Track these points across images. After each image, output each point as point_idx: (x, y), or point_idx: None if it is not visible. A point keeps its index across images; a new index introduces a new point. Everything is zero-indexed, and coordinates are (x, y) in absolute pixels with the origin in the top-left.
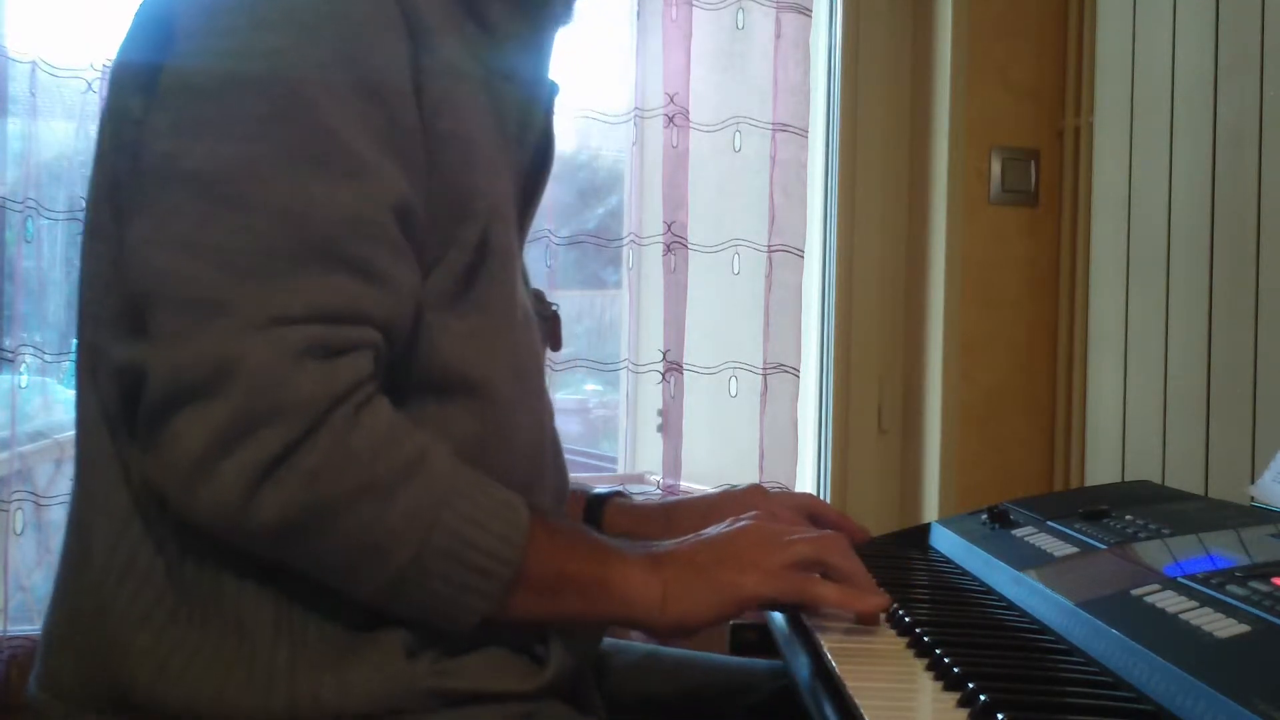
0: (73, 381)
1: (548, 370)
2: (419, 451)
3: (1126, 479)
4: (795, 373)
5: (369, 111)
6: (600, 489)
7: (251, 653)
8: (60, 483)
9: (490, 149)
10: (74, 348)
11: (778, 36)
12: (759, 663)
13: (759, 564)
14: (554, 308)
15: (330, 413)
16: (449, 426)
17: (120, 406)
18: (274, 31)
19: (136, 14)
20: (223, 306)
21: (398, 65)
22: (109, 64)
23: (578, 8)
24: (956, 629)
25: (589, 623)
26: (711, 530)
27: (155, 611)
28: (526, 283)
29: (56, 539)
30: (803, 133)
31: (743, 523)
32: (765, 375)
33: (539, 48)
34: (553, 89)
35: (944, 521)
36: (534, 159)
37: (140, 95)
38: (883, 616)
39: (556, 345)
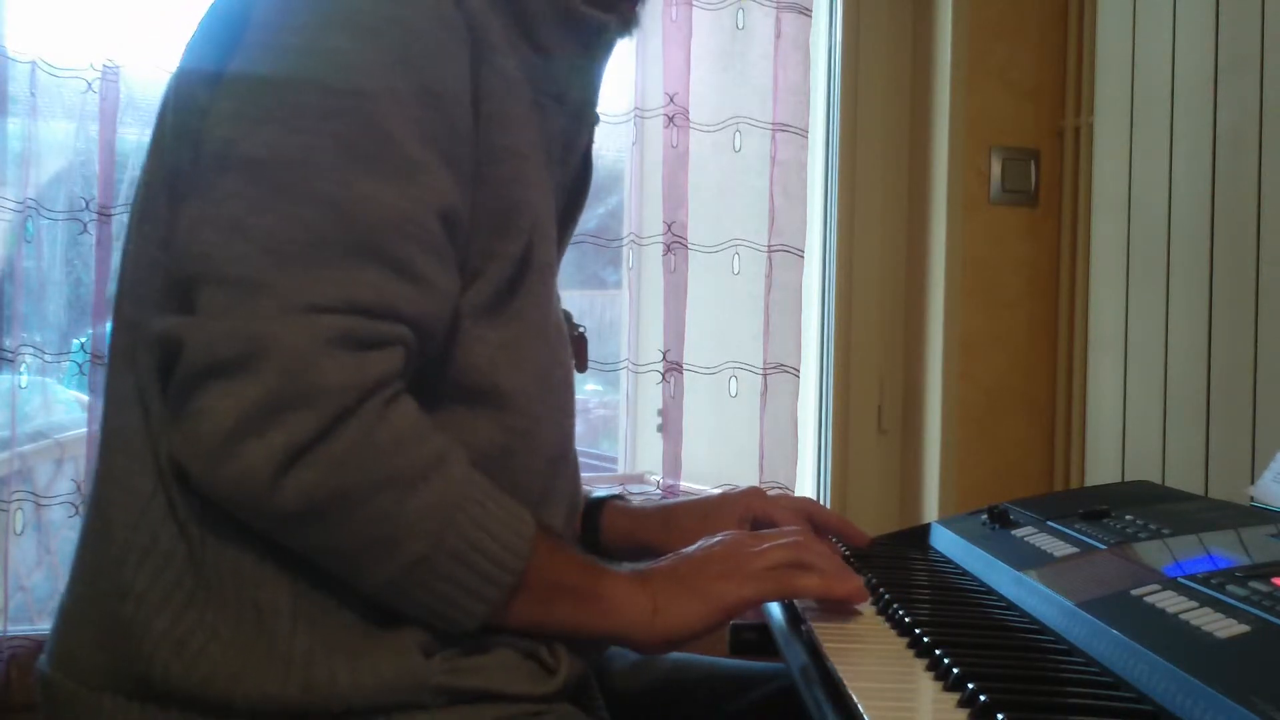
0: (75, 381)
1: None
2: (439, 452)
3: (1126, 479)
4: (795, 373)
5: (425, 116)
6: (598, 492)
7: (270, 639)
8: (60, 483)
9: (538, 166)
10: (109, 331)
11: (778, 36)
12: (758, 664)
13: (740, 570)
14: (580, 330)
15: (360, 404)
16: (473, 434)
17: (157, 380)
18: (341, 32)
19: (210, 9)
20: (263, 288)
21: (458, 74)
22: (109, 64)
23: (634, 28)
24: (956, 629)
25: (580, 635)
26: (688, 549)
27: (175, 594)
28: (558, 303)
29: (56, 539)
30: (803, 133)
31: (717, 538)
32: (765, 375)
33: (590, 73)
34: (595, 119)
35: (944, 521)
36: (574, 181)
37: (207, 86)
38: (883, 617)
39: (582, 366)
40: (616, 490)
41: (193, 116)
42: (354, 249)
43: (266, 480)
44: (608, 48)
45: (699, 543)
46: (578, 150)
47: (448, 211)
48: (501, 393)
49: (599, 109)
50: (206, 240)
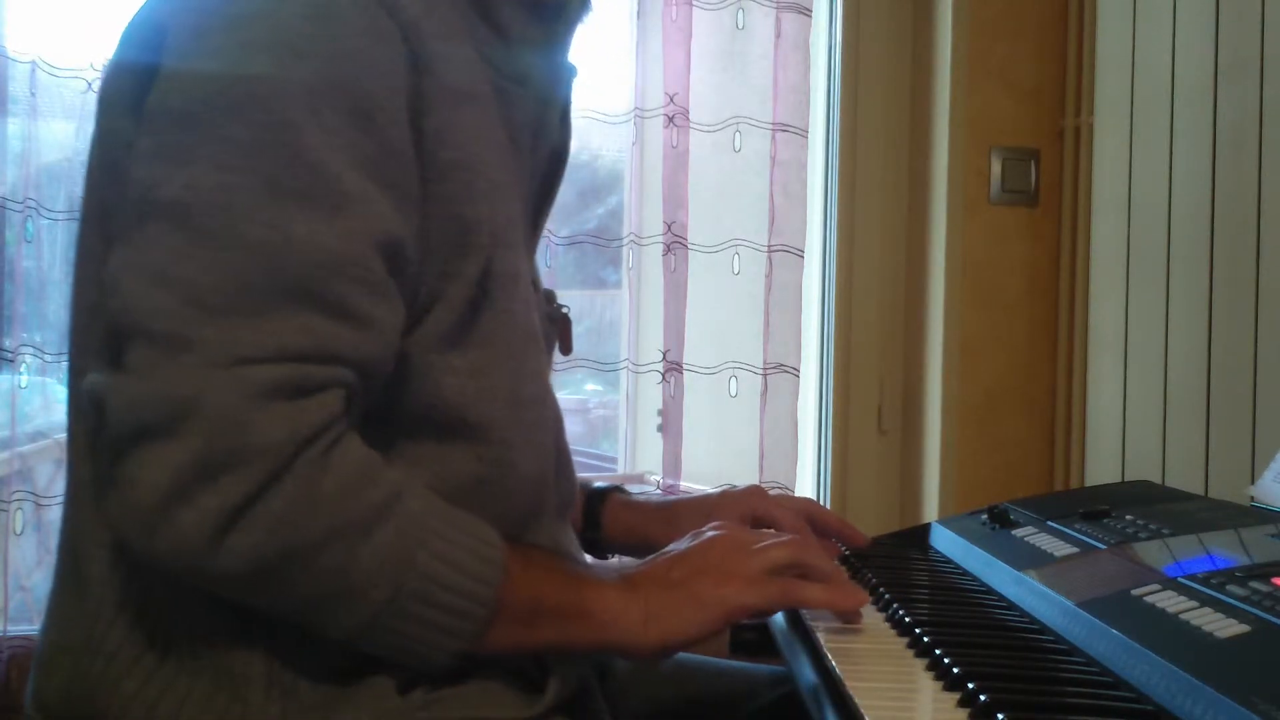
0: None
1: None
2: (392, 492)
3: (1126, 479)
4: (795, 373)
5: (358, 140)
6: (599, 484)
7: (244, 706)
8: (60, 483)
9: (497, 171)
10: (66, 371)
11: (778, 36)
12: (761, 668)
13: (738, 572)
14: (564, 310)
15: (297, 456)
16: (446, 468)
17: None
18: (261, 55)
19: (125, 32)
20: (188, 343)
21: (392, 91)
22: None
23: (594, 5)
24: (956, 629)
25: (570, 652)
26: (678, 545)
27: (146, 655)
28: (537, 286)
29: (56, 539)
30: (803, 133)
31: (710, 534)
32: (765, 375)
33: (555, 49)
34: (571, 72)
35: (944, 521)
36: (549, 160)
37: (130, 118)
38: (883, 616)
39: (566, 349)
40: (616, 483)
41: (118, 150)
42: (285, 294)
43: (203, 547)
44: (569, 26)
45: (689, 538)
46: (548, 134)
47: (389, 241)
48: (471, 423)
49: (599, 109)
50: (130, 292)
